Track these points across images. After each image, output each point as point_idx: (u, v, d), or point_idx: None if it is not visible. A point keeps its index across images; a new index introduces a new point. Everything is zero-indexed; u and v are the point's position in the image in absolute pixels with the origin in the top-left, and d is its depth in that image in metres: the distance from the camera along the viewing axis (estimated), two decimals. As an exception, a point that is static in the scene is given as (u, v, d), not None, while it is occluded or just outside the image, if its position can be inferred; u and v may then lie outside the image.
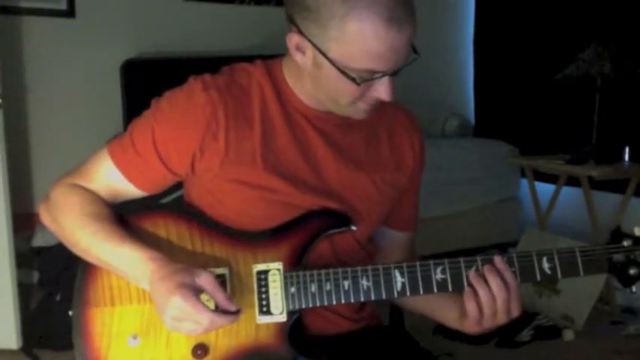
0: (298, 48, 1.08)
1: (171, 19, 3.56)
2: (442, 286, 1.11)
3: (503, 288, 1.09)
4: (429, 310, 1.27)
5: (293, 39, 1.08)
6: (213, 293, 1.02)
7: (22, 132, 3.25)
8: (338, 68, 1.04)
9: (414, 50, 1.07)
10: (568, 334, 2.78)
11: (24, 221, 2.93)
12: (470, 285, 1.10)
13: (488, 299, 1.09)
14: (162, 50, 3.47)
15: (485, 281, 1.09)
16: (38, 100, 3.29)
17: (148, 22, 3.50)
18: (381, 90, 1.07)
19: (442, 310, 1.23)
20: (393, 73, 1.06)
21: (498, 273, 1.10)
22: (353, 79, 1.04)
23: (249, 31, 3.68)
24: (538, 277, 1.11)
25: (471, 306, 1.10)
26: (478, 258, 1.11)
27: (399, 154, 1.26)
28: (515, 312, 1.11)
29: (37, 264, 3.05)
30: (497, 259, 1.10)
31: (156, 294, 1.03)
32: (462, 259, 1.11)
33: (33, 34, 3.24)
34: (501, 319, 1.11)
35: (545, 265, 1.11)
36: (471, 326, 1.14)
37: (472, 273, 1.10)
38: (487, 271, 1.10)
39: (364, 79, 1.05)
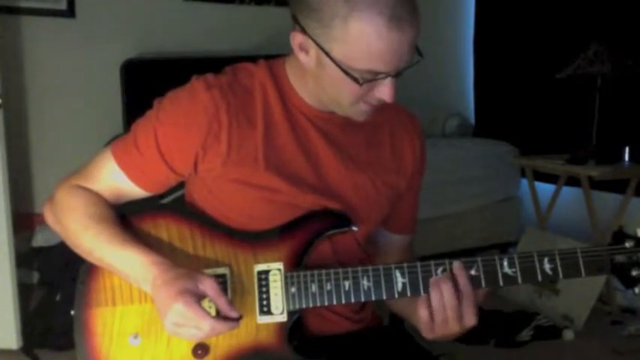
0: (302, 47, 1.08)
1: (172, 19, 3.56)
2: None
3: (454, 295, 1.06)
4: (406, 313, 1.26)
5: (297, 38, 1.08)
6: (216, 299, 1.02)
7: (22, 132, 3.25)
8: (341, 68, 1.04)
9: (419, 53, 1.06)
10: (568, 334, 2.78)
11: (24, 221, 2.93)
12: (426, 290, 1.09)
13: (438, 306, 1.07)
14: (163, 50, 3.48)
15: (440, 287, 1.08)
16: (38, 100, 3.29)
17: (148, 22, 3.50)
18: (383, 91, 1.07)
19: (414, 312, 1.21)
20: (396, 75, 1.06)
21: (452, 279, 1.07)
22: (355, 80, 1.04)
23: (249, 31, 3.69)
24: (539, 278, 1.10)
25: (422, 312, 1.09)
26: (478, 259, 1.10)
27: (399, 157, 1.26)
28: (469, 321, 1.08)
29: (37, 264, 3.05)
30: (456, 265, 1.08)
31: (157, 299, 1.03)
32: (462, 260, 1.10)
33: (33, 34, 3.23)
34: (453, 327, 1.08)
35: (547, 266, 1.10)
36: (424, 332, 1.12)
37: (432, 278, 1.08)
38: (443, 277, 1.08)
39: (366, 80, 1.05)
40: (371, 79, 1.05)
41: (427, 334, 1.12)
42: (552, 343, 2.75)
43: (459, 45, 4.35)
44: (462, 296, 1.07)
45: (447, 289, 1.07)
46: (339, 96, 1.09)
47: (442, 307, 1.07)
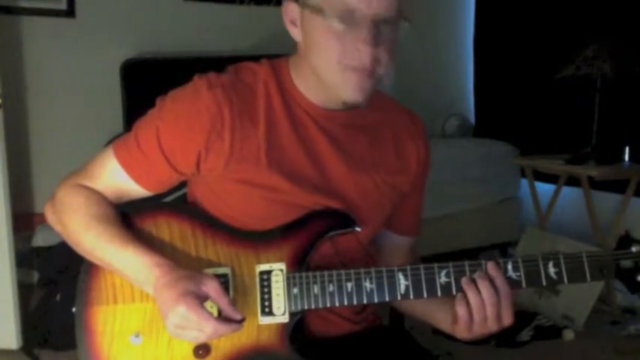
0: (292, 21, 1.13)
1: (171, 19, 3.56)
2: (446, 289, 1.10)
3: (493, 293, 1.08)
4: (424, 313, 1.26)
5: (286, 11, 1.14)
6: (218, 301, 1.02)
7: (22, 132, 3.25)
8: (319, 13, 1.06)
9: (404, 18, 1.09)
10: (568, 334, 2.78)
11: (24, 221, 2.93)
12: (461, 290, 1.10)
13: (477, 304, 1.08)
14: (163, 50, 3.47)
15: (477, 286, 1.09)
16: (38, 100, 3.29)
17: (148, 22, 3.50)
18: (361, 37, 1.06)
19: (436, 313, 1.22)
20: (375, 23, 1.06)
21: (489, 279, 1.09)
22: (334, 24, 1.06)
23: (249, 31, 3.68)
24: (544, 282, 1.10)
25: (461, 311, 1.10)
26: (483, 261, 1.10)
27: (403, 158, 1.26)
28: (507, 320, 1.10)
29: (37, 264, 3.05)
30: (490, 265, 1.10)
31: (159, 300, 1.03)
32: (466, 263, 1.10)
33: (33, 34, 3.23)
34: (492, 325, 1.10)
35: (551, 270, 1.10)
36: (461, 331, 1.13)
37: (464, 278, 1.10)
38: (478, 276, 1.09)
39: (345, 21, 1.06)
40: (349, 19, 1.06)
41: (464, 333, 1.13)
42: (552, 343, 2.75)
43: (459, 45, 4.35)
44: (500, 294, 1.08)
45: (485, 287, 1.08)
46: (326, 62, 1.09)
47: (482, 306, 1.08)
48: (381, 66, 1.10)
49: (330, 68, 1.10)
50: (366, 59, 1.07)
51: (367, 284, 1.11)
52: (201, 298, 1.00)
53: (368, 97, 1.13)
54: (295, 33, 1.15)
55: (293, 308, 1.11)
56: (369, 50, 1.07)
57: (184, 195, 1.27)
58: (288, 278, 1.11)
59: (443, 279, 1.10)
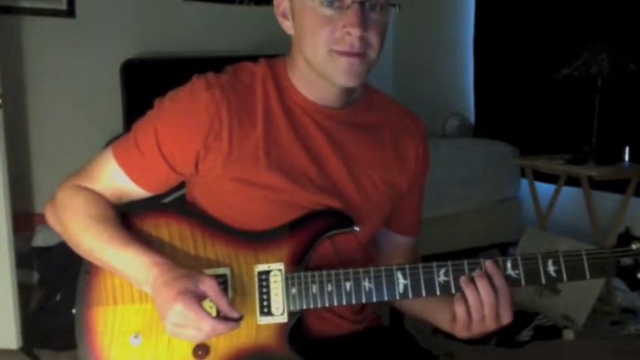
0: (284, 15, 1.16)
1: (171, 19, 3.57)
2: (445, 288, 1.09)
3: (492, 293, 1.07)
4: (423, 312, 1.26)
5: (278, 2, 1.16)
6: (216, 299, 1.02)
7: (22, 132, 3.25)
8: None
9: (395, 5, 1.11)
10: (568, 334, 2.78)
11: (24, 221, 2.94)
12: (460, 289, 1.09)
13: (476, 304, 1.08)
14: (163, 50, 3.48)
15: (475, 285, 1.08)
16: (38, 100, 3.29)
17: (148, 22, 3.51)
18: (348, 20, 1.07)
19: (435, 312, 1.22)
20: (361, 3, 1.06)
21: (488, 278, 1.08)
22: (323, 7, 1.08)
23: (249, 31, 3.69)
24: (543, 281, 1.09)
25: (459, 310, 1.09)
26: (481, 260, 1.10)
27: (402, 157, 1.26)
28: (505, 319, 1.09)
29: (37, 264, 3.05)
30: (489, 263, 1.09)
31: (158, 299, 1.03)
32: (465, 262, 1.10)
33: (33, 34, 3.24)
34: (490, 325, 1.09)
35: (551, 268, 1.09)
36: (460, 330, 1.13)
37: (463, 277, 1.09)
38: (477, 275, 1.08)
39: (333, 5, 1.07)
40: (337, 4, 1.07)
41: (462, 332, 1.13)
42: (552, 343, 2.75)
43: (459, 45, 4.35)
44: (499, 294, 1.08)
45: (483, 287, 1.07)
46: (317, 48, 1.10)
47: (480, 305, 1.08)
48: (371, 49, 1.11)
49: (322, 54, 1.11)
50: (356, 42, 1.08)
51: (366, 284, 1.10)
52: (199, 297, 1.01)
53: (361, 82, 1.15)
54: (287, 26, 1.17)
55: (292, 308, 1.11)
56: (358, 33, 1.07)
57: (183, 195, 1.27)
58: (286, 278, 1.11)
59: (442, 278, 1.10)
